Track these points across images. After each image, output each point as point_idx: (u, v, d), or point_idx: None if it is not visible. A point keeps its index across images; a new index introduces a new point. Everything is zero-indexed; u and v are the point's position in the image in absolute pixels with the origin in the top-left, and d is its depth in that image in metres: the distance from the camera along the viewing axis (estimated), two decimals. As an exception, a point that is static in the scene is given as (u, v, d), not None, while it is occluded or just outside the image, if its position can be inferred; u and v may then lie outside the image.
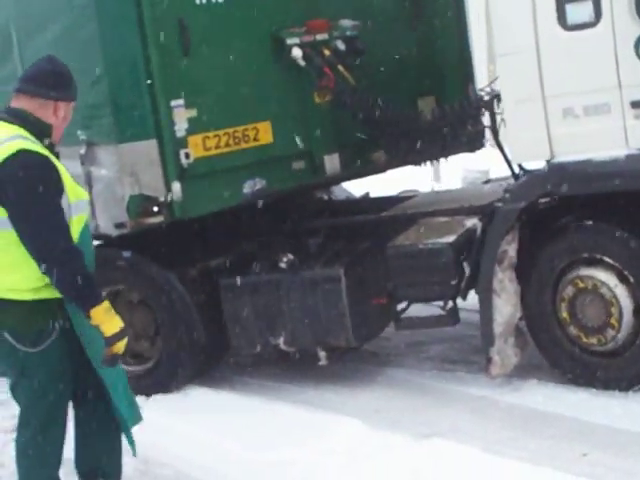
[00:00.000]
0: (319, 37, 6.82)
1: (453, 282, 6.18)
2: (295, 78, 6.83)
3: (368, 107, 6.79)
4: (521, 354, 6.24)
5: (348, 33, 6.94)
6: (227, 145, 6.55)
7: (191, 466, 5.66)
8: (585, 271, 5.92)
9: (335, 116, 6.97)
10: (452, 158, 7.70)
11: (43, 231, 4.32)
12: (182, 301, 6.75)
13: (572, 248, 5.96)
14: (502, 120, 6.41)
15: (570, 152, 5.82)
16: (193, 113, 6.39)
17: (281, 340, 6.59)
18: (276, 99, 6.78)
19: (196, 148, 6.39)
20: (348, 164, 7.11)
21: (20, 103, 4.52)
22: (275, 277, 6.61)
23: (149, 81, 6.22)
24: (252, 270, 6.72)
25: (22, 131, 4.42)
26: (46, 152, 4.39)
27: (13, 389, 4.67)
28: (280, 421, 6.12)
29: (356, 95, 6.77)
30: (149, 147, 6.26)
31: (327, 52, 6.82)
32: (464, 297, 6.36)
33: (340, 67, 6.82)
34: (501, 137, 6.52)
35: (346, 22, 6.97)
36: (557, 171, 5.86)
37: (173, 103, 6.30)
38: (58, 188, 4.37)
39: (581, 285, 5.92)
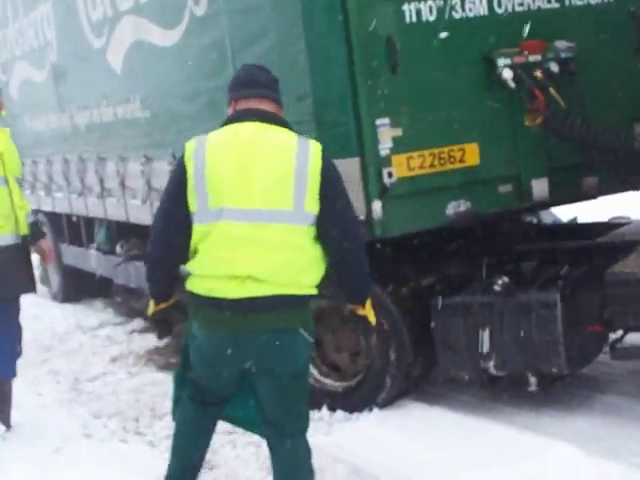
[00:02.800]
0: (532, 58, 6.61)
1: None
2: (505, 100, 6.65)
3: (580, 131, 6.56)
4: None
5: (563, 55, 6.70)
6: (432, 166, 6.45)
7: (402, 480, 5.73)
8: None
9: (545, 140, 6.75)
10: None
11: (355, 218, 4.86)
12: (391, 319, 6.74)
13: None
14: None
15: None
16: (398, 132, 6.32)
17: (491, 364, 6.46)
18: (484, 120, 6.62)
19: (400, 167, 6.33)
20: (557, 189, 6.87)
21: (263, 106, 4.80)
22: (488, 299, 6.46)
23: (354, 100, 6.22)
24: (465, 291, 6.63)
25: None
26: None
27: (297, 387, 4.86)
28: (493, 441, 6.07)
29: (568, 119, 6.55)
30: (351, 165, 6.24)
31: (539, 74, 6.62)
32: None
33: (552, 90, 6.61)
34: None
35: (561, 43, 6.73)
36: None
37: (378, 122, 6.25)
38: None
39: None
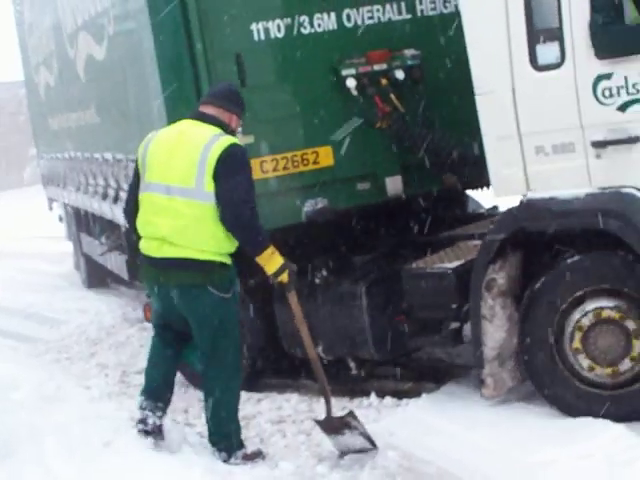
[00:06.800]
0: (377, 67, 7.22)
1: (453, 306, 6.46)
2: (355, 106, 7.25)
3: (415, 134, 7.14)
4: (521, 378, 6.37)
5: (409, 62, 7.28)
6: (285, 168, 7.12)
7: (455, 465, 5.80)
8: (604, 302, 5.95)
9: (396, 140, 7.30)
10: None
11: (239, 202, 5.83)
12: (244, 307, 7.32)
13: (588, 279, 5.97)
14: None
15: (543, 189, 5.95)
16: (250, 139, 6.98)
17: (320, 349, 7.09)
18: (336, 125, 7.24)
19: (252, 171, 6.99)
20: (412, 186, 7.45)
21: (209, 110, 6.06)
22: (311, 291, 7.17)
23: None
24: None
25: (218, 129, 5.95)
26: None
27: (216, 336, 5.93)
28: (542, 423, 6.12)
29: (402, 123, 7.14)
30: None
31: (384, 82, 7.21)
32: (464, 321, 6.56)
33: (392, 96, 7.20)
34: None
35: (409, 51, 7.30)
36: (526, 207, 6.05)
37: (229, 131, 6.95)
38: None
39: (603, 315, 5.94)
